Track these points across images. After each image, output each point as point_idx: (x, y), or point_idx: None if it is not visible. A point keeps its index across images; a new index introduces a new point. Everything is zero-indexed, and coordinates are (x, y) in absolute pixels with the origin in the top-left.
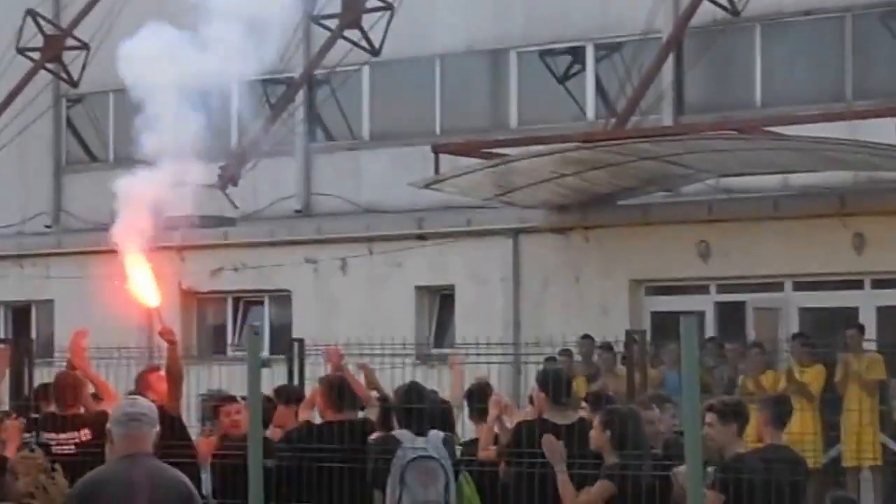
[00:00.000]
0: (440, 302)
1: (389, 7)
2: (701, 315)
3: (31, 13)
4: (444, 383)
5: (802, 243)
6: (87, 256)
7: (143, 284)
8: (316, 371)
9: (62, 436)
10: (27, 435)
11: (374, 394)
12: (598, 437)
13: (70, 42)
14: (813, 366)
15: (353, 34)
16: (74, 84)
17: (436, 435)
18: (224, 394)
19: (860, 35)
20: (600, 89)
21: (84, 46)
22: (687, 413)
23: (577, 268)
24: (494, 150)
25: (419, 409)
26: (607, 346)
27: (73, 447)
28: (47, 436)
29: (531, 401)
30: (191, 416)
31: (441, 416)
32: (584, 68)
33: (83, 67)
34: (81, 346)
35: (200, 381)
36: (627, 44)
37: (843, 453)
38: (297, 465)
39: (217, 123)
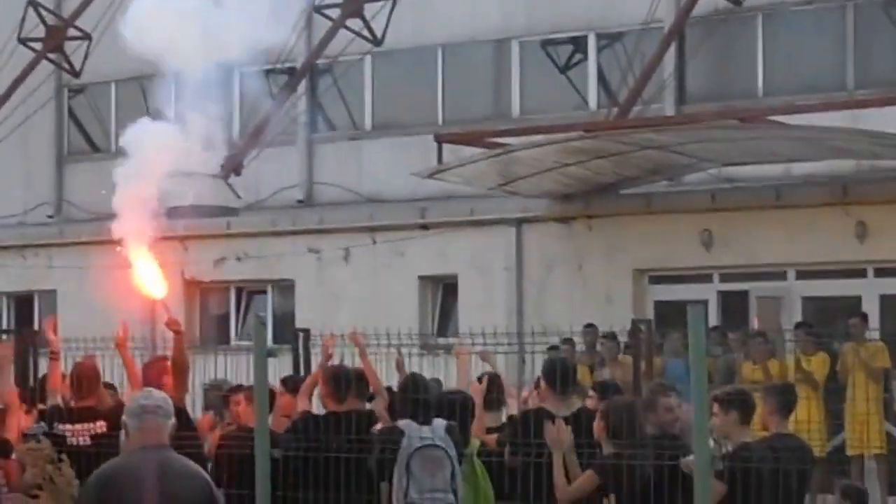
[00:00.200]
0: (443, 291)
1: None
2: (704, 304)
3: (32, 3)
4: (449, 373)
5: (805, 232)
6: (90, 246)
7: (149, 276)
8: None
9: (77, 426)
10: (34, 425)
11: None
12: (598, 427)
13: (72, 32)
14: (817, 354)
15: (356, 23)
16: (76, 74)
17: (439, 423)
18: (228, 384)
19: (862, 24)
20: (602, 79)
21: (86, 37)
22: (695, 402)
23: (580, 257)
24: (497, 140)
25: (425, 399)
26: (611, 336)
27: (87, 438)
28: (61, 427)
29: (537, 385)
30: (195, 406)
31: (448, 406)
32: (586, 58)
33: (85, 57)
34: (125, 336)
35: (204, 370)
36: (629, 33)
37: (846, 441)
38: (304, 456)
39: (220, 113)
